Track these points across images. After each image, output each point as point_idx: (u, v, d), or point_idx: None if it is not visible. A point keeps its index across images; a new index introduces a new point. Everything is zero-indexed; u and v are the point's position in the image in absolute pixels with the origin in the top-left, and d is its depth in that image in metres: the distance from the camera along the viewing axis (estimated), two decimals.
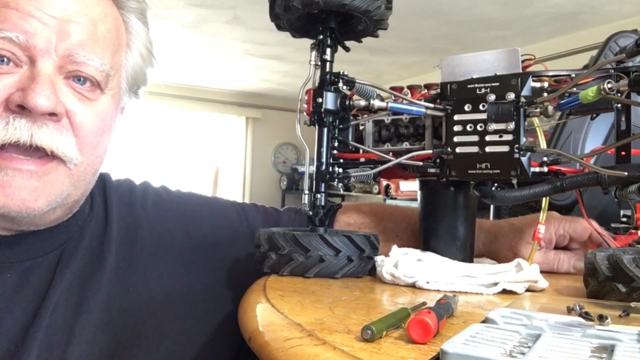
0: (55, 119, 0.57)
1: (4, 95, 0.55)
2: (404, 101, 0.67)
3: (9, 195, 0.55)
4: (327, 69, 0.68)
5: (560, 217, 0.72)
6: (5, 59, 0.55)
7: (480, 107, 0.59)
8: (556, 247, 0.73)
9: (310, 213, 0.68)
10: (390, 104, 0.66)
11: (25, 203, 0.56)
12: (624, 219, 1.02)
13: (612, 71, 0.55)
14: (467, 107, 0.60)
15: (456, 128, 0.61)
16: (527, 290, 0.58)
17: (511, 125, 0.57)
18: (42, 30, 0.56)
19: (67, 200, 0.62)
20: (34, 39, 0.55)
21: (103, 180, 0.75)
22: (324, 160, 0.68)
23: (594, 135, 0.92)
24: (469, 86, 0.60)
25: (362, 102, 0.68)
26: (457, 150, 0.61)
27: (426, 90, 0.68)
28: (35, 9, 0.55)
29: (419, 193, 0.72)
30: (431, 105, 0.64)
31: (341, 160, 0.70)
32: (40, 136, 0.56)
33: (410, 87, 0.69)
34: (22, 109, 0.55)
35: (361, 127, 0.75)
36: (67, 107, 0.58)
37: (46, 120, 0.56)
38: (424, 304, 0.47)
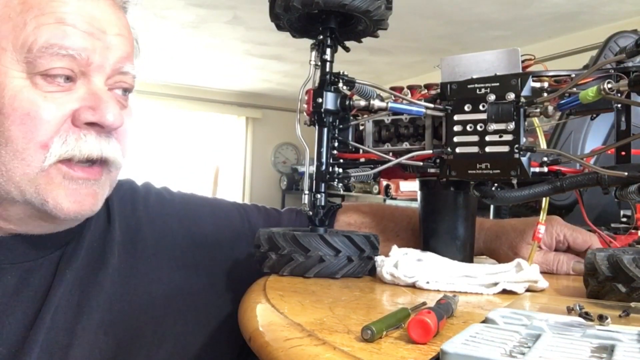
0: (115, 132, 0.60)
1: (69, 112, 0.57)
2: (404, 101, 0.67)
3: (80, 202, 0.58)
4: (327, 69, 0.68)
5: (563, 223, 0.72)
6: (67, 77, 0.57)
7: (480, 107, 0.59)
8: (555, 250, 0.73)
9: (310, 213, 0.68)
10: (390, 104, 0.66)
11: (92, 207, 0.60)
12: (624, 219, 1.02)
13: (612, 71, 0.55)
14: (467, 107, 0.60)
15: (456, 128, 0.61)
16: (527, 290, 0.58)
17: (511, 125, 0.57)
18: (98, 46, 0.58)
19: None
20: (93, 56, 0.57)
21: None
22: (324, 160, 0.68)
23: (594, 135, 0.92)
24: (469, 86, 0.60)
25: (362, 102, 0.68)
26: (457, 150, 0.61)
27: (426, 90, 0.68)
28: (89, 25, 0.57)
29: (419, 193, 0.72)
30: (431, 105, 0.64)
31: (341, 160, 0.70)
32: (108, 150, 0.60)
33: (410, 87, 0.69)
34: (90, 126, 0.58)
35: (361, 127, 0.75)
36: None
37: (108, 134, 0.60)
38: (424, 304, 0.47)
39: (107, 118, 0.57)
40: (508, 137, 0.58)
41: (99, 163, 0.60)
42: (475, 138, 0.60)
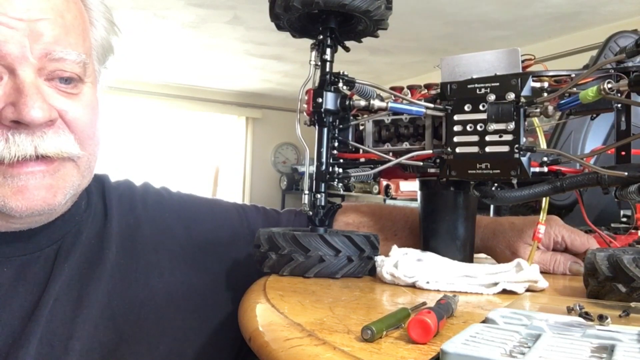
0: (50, 124, 0.58)
1: None
2: (404, 101, 0.67)
3: (29, 198, 0.57)
4: (327, 69, 0.68)
5: (562, 224, 0.72)
6: None
7: (480, 107, 0.59)
8: (552, 251, 0.73)
9: (310, 213, 0.68)
10: (390, 104, 0.66)
11: (47, 201, 0.58)
12: (624, 219, 1.02)
13: (612, 71, 0.55)
14: (467, 107, 0.60)
15: (456, 128, 0.61)
16: (527, 290, 0.58)
17: (511, 125, 0.57)
18: (13, 36, 0.54)
19: (78, 189, 0.64)
20: (6, 47, 0.54)
21: (101, 182, 0.75)
22: (324, 160, 0.68)
23: (594, 135, 0.92)
24: (469, 86, 0.60)
25: (362, 102, 0.68)
26: (457, 150, 0.61)
27: (426, 90, 0.68)
28: (1, 15, 0.53)
29: (419, 193, 0.72)
30: (431, 105, 0.64)
31: (341, 160, 0.70)
32: (44, 146, 0.56)
33: (410, 87, 0.69)
34: (17, 124, 0.55)
35: (361, 127, 0.75)
36: (57, 108, 0.58)
37: (44, 129, 0.57)
38: (424, 304, 0.47)
39: (25, 114, 0.54)
40: (508, 137, 0.58)
41: (53, 158, 0.58)
42: (475, 138, 0.60)
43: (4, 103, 0.55)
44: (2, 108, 0.55)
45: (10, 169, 0.56)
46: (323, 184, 0.69)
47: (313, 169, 0.69)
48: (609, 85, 0.50)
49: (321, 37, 0.69)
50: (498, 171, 0.58)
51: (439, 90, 0.64)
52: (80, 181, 0.63)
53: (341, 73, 0.68)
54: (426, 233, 0.70)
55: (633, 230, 0.91)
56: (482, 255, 0.77)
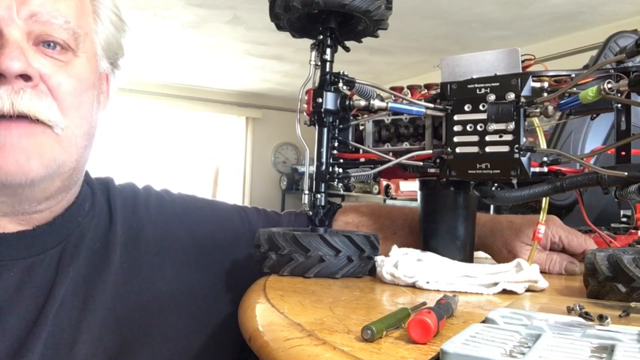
0: (32, 84, 0.57)
1: None
2: (404, 101, 0.67)
3: (4, 157, 0.56)
4: (327, 69, 0.68)
5: (560, 224, 0.72)
6: None
7: (480, 107, 0.59)
8: (549, 251, 0.73)
9: (310, 213, 0.68)
10: (390, 104, 0.66)
11: (19, 163, 0.56)
12: (624, 219, 1.02)
13: (612, 71, 0.55)
14: (467, 107, 0.60)
15: (456, 128, 0.61)
16: (527, 290, 0.58)
17: (511, 125, 0.57)
18: None
19: (63, 168, 0.61)
20: None
21: (106, 184, 0.75)
22: (324, 160, 0.68)
23: (594, 135, 0.92)
24: (469, 86, 0.60)
25: (362, 102, 0.68)
26: (457, 150, 0.61)
27: (426, 90, 0.68)
28: None
29: (419, 193, 0.72)
30: (431, 105, 0.64)
31: (341, 160, 0.70)
32: (21, 103, 0.56)
33: (410, 87, 0.69)
34: None
35: (361, 127, 0.75)
36: (40, 71, 0.58)
37: (22, 86, 0.56)
38: (424, 304, 0.47)
39: (1, 63, 0.54)
40: (508, 137, 0.58)
41: (34, 122, 0.57)
42: (475, 138, 0.60)
43: None
44: None
45: None
46: (323, 184, 0.69)
47: (313, 169, 0.69)
48: (609, 85, 0.50)
49: (321, 37, 0.69)
50: (498, 171, 0.58)
51: (439, 90, 0.64)
52: (63, 157, 0.61)
53: (341, 73, 0.68)
54: (426, 233, 0.70)
55: (633, 230, 0.91)
56: (482, 255, 0.77)
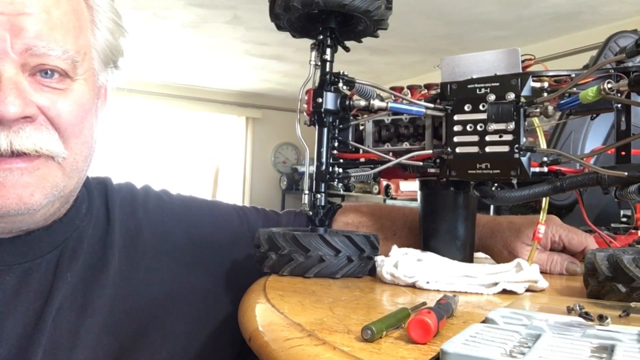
0: (30, 120, 0.56)
1: None
2: (404, 101, 0.67)
3: (5, 195, 0.55)
4: (327, 69, 0.68)
5: (559, 224, 0.72)
6: None
7: (480, 107, 0.59)
8: (550, 251, 0.73)
9: (310, 213, 0.68)
10: (390, 104, 0.66)
11: (22, 199, 0.56)
12: (624, 219, 1.02)
13: (612, 71, 0.55)
14: (467, 107, 0.60)
15: (456, 128, 0.61)
16: (527, 290, 0.58)
17: (511, 125, 0.57)
18: None
19: (64, 191, 0.61)
20: None
21: (104, 185, 0.75)
22: (324, 160, 0.68)
23: (594, 135, 0.92)
24: (469, 86, 0.60)
25: (362, 102, 0.68)
26: (457, 150, 0.61)
27: (426, 90, 0.68)
28: None
29: (419, 193, 0.72)
30: (431, 105, 0.64)
31: (341, 160, 0.70)
32: (20, 141, 0.55)
33: (410, 87, 0.69)
34: None
35: (361, 127, 0.75)
36: (38, 104, 0.56)
37: (21, 125, 0.55)
38: (424, 304, 0.47)
39: None
40: (508, 137, 0.58)
41: (35, 156, 0.56)
42: (475, 138, 0.60)
43: None
44: None
45: None
46: (323, 184, 0.69)
47: (313, 169, 0.69)
48: (609, 85, 0.50)
49: (321, 37, 0.69)
50: (498, 171, 0.58)
51: (439, 90, 0.64)
52: (65, 183, 0.60)
53: (341, 73, 0.68)
54: (426, 233, 0.70)
55: (633, 230, 0.91)
56: (482, 255, 0.77)
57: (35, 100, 0.56)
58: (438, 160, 0.64)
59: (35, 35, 0.55)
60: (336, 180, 0.69)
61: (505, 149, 0.58)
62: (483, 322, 0.39)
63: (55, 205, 0.63)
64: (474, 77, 0.60)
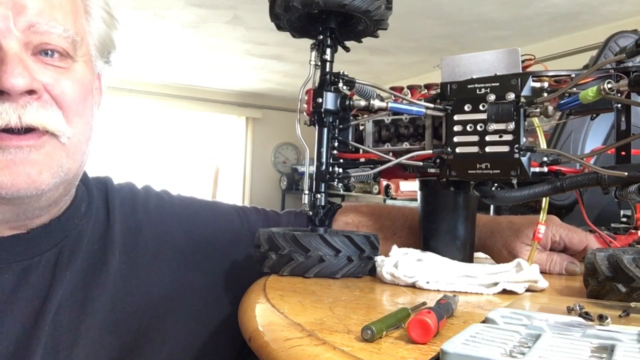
0: (36, 97, 0.57)
1: None
2: (404, 101, 0.67)
3: (15, 173, 0.55)
4: (327, 69, 0.68)
5: (559, 223, 0.72)
6: None
7: (480, 107, 0.59)
8: (550, 251, 0.73)
9: (310, 213, 0.68)
10: (390, 104, 0.66)
11: (31, 177, 0.56)
12: (624, 219, 1.02)
13: (612, 71, 0.55)
14: (467, 107, 0.60)
15: (456, 128, 0.61)
16: (527, 290, 0.58)
17: (511, 125, 0.57)
18: None
19: (68, 175, 0.61)
20: None
21: (105, 184, 0.75)
22: (324, 160, 0.68)
23: (594, 135, 0.92)
24: (469, 86, 0.60)
25: (362, 102, 0.68)
26: (457, 150, 0.61)
27: (426, 90, 0.68)
28: None
29: (419, 193, 0.72)
30: (431, 105, 0.64)
31: (341, 160, 0.70)
32: (28, 115, 0.55)
33: (410, 87, 0.69)
34: (1, 94, 0.54)
35: (361, 127, 0.75)
36: (43, 82, 0.57)
37: (28, 100, 0.56)
38: (424, 304, 0.47)
39: (5, 81, 0.53)
40: (508, 137, 0.58)
41: (41, 133, 0.57)
42: (475, 138, 0.60)
43: None
44: None
45: None
46: (323, 184, 0.69)
47: (313, 169, 0.69)
48: (609, 85, 0.50)
49: (321, 37, 0.69)
50: (498, 171, 0.58)
51: (439, 90, 0.64)
52: (69, 165, 0.61)
53: (341, 73, 0.68)
54: (426, 233, 0.70)
55: (633, 230, 0.91)
56: (482, 255, 0.77)
57: (39, 78, 0.57)
58: (438, 160, 0.64)
59: (37, 12, 0.56)
60: (336, 180, 0.69)
61: (505, 149, 0.58)
62: (483, 322, 0.39)
63: (59, 190, 0.62)
64: (474, 77, 0.60)
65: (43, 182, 0.57)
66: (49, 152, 0.58)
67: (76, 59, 0.61)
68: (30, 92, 0.56)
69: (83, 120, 0.62)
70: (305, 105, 0.68)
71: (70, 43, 0.60)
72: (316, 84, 0.69)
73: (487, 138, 0.59)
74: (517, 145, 0.57)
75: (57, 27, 0.58)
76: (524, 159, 0.57)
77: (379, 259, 0.63)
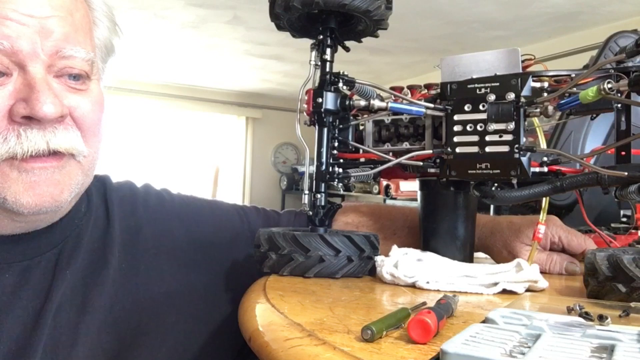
0: (61, 121, 0.57)
1: (5, 108, 0.54)
2: (404, 101, 0.67)
3: (39, 194, 0.56)
4: (327, 69, 0.68)
5: (559, 224, 0.72)
6: (0, 72, 0.54)
7: (480, 107, 0.59)
8: (549, 251, 0.73)
9: (310, 213, 0.68)
10: (390, 104, 0.66)
11: (54, 197, 0.57)
12: (624, 219, 1.02)
13: (612, 71, 0.55)
14: (467, 107, 0.60)
15: (456, 128, 0.61)
16: (527, 290, 0.58)
17: (511, 125, 0.57)
18: (24, 33, 0.54)
19: (81, 189, 0.63)
20: (18, 43, 0.54)
21: (103, 183, 0.75)
22: (324, 160, 0.68)
23: (594, 135, 0.92)
24: (469, 86, 0.60)
25: (362, 102, 0.68)
26: (457, 150, 0.61)
27: (426, 90, 0.68)
28: (11, 11, 0.53)
29: (419, 193, 0.72)
30: (431, 105, 0.64)
31: (341, 160, 0.70)
32: (55, 141, 0.56)
33: (410, 87, 0.69)
34: (29, 119, 0.55)
35: (361, 127, 0.75)
36: (66, 104, 0.58)
37: (55, 124, 0.57)
38: (424, 304, 0.47)
39: (38, 110, 0.54)
40: (508, 137, 0.58)
41: (61, 154, 0.58)
42: (475, 138, 0.60)
43: (15, 99, 0.55)
44: (14, 104, 0.55)
45: (24, 164, 0.55)
46: (323, 184, 0.69)
47: (313, 169, 0.69)
48: (609, 85, 0.50)
49: (321, 37, 0.69)
50: (498, 171, 0.58)
51: (439, 90, 0.64)
52: (83, 180, 0.62)
53: (341, 73, 0.68)
54: (426, 233, 0.70)
55: (633, 230, 0.91)
56: (482, 255, 0.77)
57: (65, 103, 0.58)
58: (438, 160, 0.64)
59: (63, 37, 0.57)
60: (336, 180, 0.69)
61: (505, 149, 0.58)
62: (483, 322, 0.39)
63: (72, 202, 0.64)
64: (474, 77, 0.60)
65: (64, 200, 0.59)
66: (69, 172, 0.60)
67: (92, 78, 0.62)
68: (59, 118, 0.57)
69: (97, 139, 0.63)
70: (305, 105, 0.68)
71: (90, 65, 0.61)
72: (316, 84, 0.69)
73: (487, 138, 0.59)
74: (517, 145, 0.57)
75: (81, 52, 0.59)
76: (524, 159, 0.57)
77: (379, 259, 0.63)
